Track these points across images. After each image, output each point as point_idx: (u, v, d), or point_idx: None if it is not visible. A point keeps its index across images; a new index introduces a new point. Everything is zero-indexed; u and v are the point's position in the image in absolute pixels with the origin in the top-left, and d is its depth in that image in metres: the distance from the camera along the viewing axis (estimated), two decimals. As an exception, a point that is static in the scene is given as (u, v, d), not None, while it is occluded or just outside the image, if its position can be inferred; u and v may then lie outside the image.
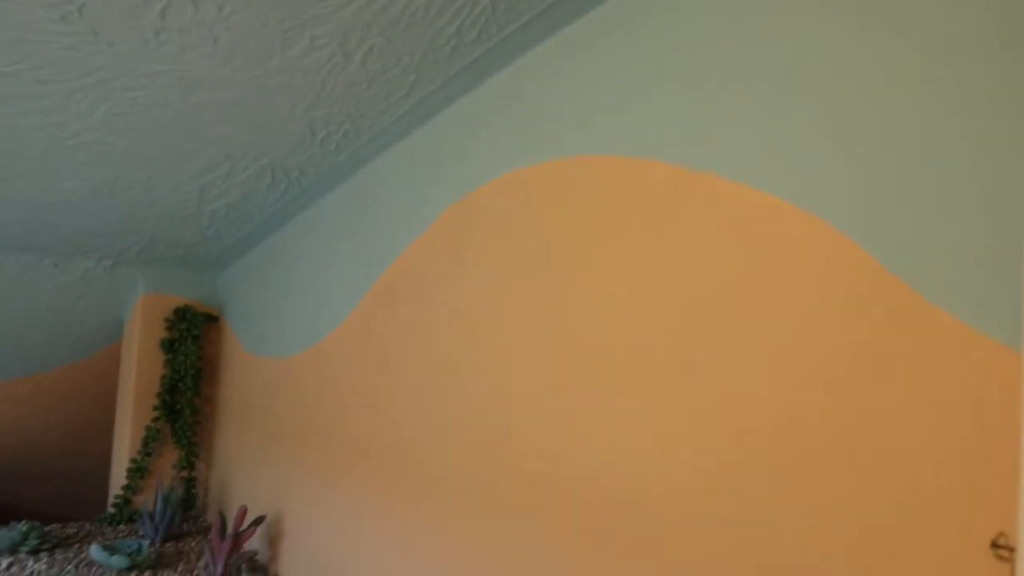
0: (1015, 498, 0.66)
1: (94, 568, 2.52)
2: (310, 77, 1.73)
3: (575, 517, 1.40)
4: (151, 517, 2.88)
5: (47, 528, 2.81)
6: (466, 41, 1.61)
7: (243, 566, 2.59)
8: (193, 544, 2.87)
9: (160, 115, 1.86)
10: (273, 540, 2.63)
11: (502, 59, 1.68)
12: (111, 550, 2.57)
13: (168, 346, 3.13)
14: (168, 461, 3.18)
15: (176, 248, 2.86)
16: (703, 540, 1.16)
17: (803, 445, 1.04)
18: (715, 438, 1.17)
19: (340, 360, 2.31)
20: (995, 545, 0.77)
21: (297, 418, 2.56)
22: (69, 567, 2.52)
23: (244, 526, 2.57)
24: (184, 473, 3.17)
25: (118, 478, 3.17)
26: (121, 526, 3.03)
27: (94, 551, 2.54)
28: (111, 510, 3.10)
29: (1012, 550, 0.73)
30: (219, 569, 2.53)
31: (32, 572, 2.44)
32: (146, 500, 3.08)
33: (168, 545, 2.84)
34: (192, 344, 3.11)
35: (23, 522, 2.73)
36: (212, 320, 3.22)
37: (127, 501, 3.08)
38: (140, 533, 2.91)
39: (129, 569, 2.51)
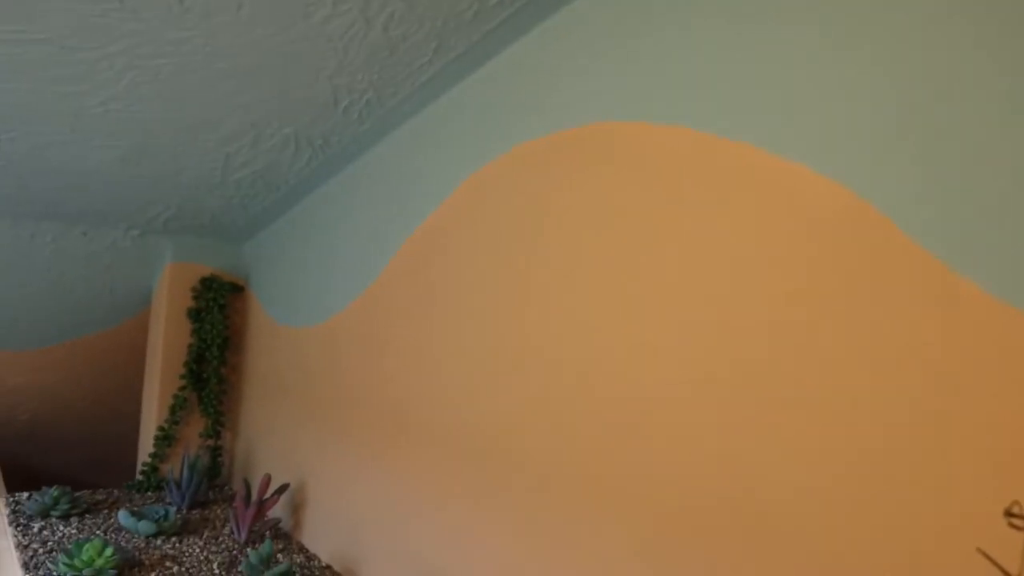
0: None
1: (122, 533, 2.56)
2: (332, 44, 1.72)
3: (617, 495, 1.40)
4: (178, 484, 2.92)
5: (77, 494, 2.86)
6: (488, 6, 1.59)
7: (267, 533, 2.62)
8: (218, 511, 2.91)
9: (185, 83, 1.86)
10: (297, 508, 2.66)
11: (526, 24, 1.65)
12: (139, 516, 2.61)
13: (194, 315, 3.17)
14: (195, 429, 3.22)
15: (202, 217, 2.87)
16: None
17: (831, 418, 1.03)
18: (743, 418, 1.16)
19: (360, 330, 2.31)
20: (1008, 514, 0.76)
21: (320, 387, 2.58)
22: (98, 532, 2.56)
23: (268, 494, 2.60)
24: (210, 441, 3.21)
25: (146, 445, 3.22)
26: (149, 493, 3.08)
27: (122, 517, 2.58)
28: (139, 477, 3.15)
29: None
30: (243, 536, 2.56)
31: (62, 536, 2.49)
32: (173, 468, 3.12)
33: (194, 512, 2.88)
34: (218, 313, 3.14)
35: (54, 487, 2.78)
36: (238, 289, 3.24)
37: (154, 468, 3.13)
38: (167, 500, 2.96)
39: (156, 535, 2.55)
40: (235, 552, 2.46)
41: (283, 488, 2.63)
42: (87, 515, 2.74)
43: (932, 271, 0.91)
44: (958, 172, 0.90)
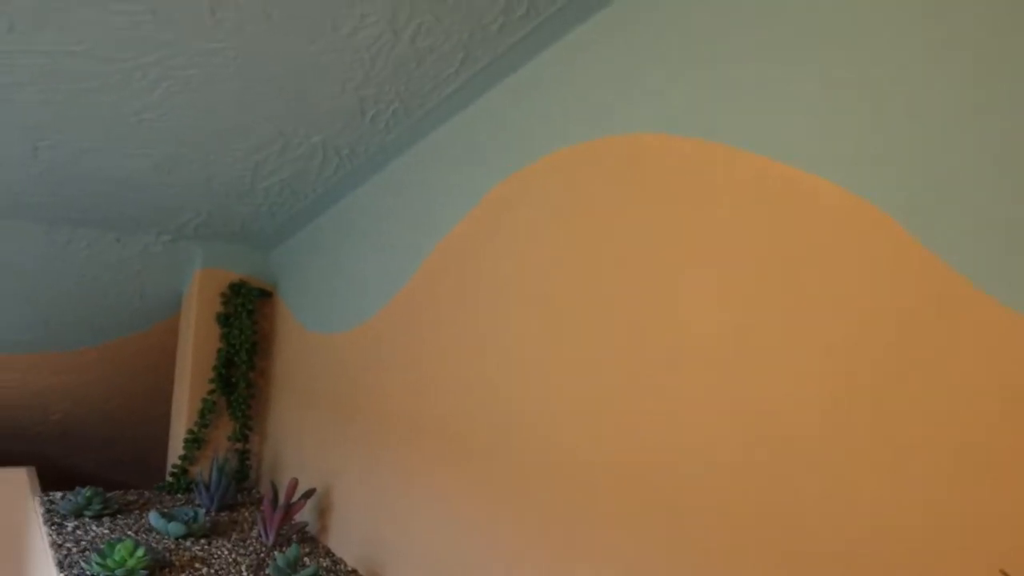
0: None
1: (152, 534, 2.61)
2: (360, 55, 1.75)
3: (641, 505, 1.41)
4: (207, 487, 2.97)
5: (109, 494, 2.91)
6: (514, 18, 1.61)
7: (294, 537, 2.65)
8: (246, 514, 2.95)
9: (216, 92, 1.90)
10: (323, 512, 2.69)
11: (550, 36, 1.67)
12: (168, 517, 2.66)
13: (224, 320, 3.21)
14: (223, 433, 3.26)
15: (232, 224, 2.92)
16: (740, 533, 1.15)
17: (849, 435, 1.03)
18: (759, 428, 1.16)
19: (388, 337, 2.34)
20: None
21: (347, 393, 2.61)
22: (130, 532, 2.61)
23: (295, 498, 2.63)
24: (239, 445, 3.25)
25: (176, 448, 3.28)
26: (178, 494, 3.13)
27: (153, 518, 2.63)
28: (169, 479, 3.20)
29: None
30: (271, 539, 2.59)
31: (95, 536, 2.54)
32: (202, 470, 3.17)
33: (222, 514, 2.92)
34: (247, 319, 3.18)
35: (87, 488, 2.84)
36: (266, 295, 3.29)
37: (184, 471, 3.18)
38: (196, 502, 3.00)
39: (185, 536, 2.59)
40: (262, 555, 2.50)
41: (309, 492, 2.65)
42: (119, 515, 2.79)
43: (955, 285, 0.91)
44: (985, 187, 0.90)
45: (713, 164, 1.28)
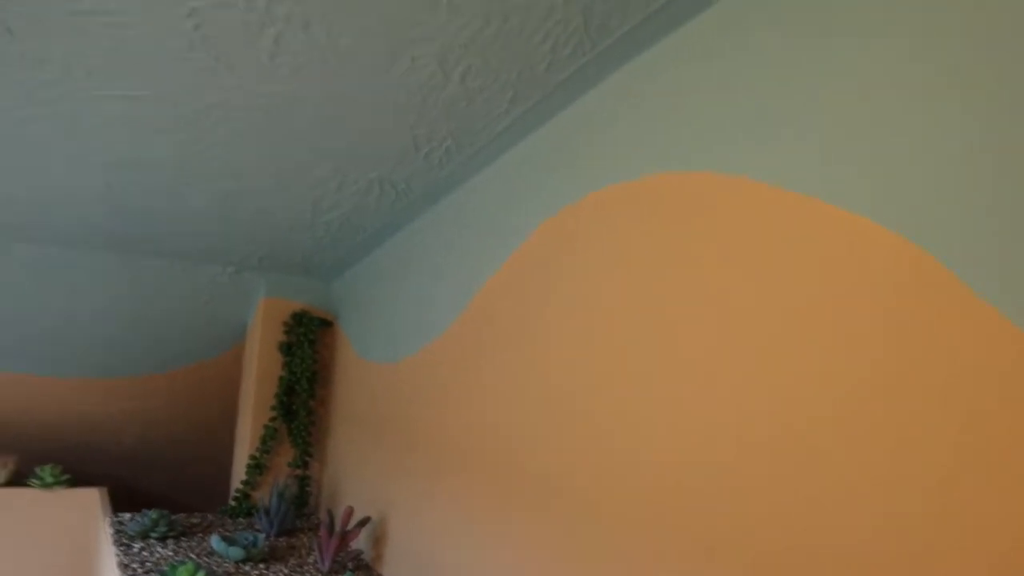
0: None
1: (214, 557, 2.68)
2: (412, 95, 1.80)
3: (711, 541, 1.40)
4: (267, 512, 3.04)
5: (174, 516, 3.01)
6: (561, 58, 1.64)
7: (349, 564, 2.69)
8: (305, 540, 3.01)
9: (276, 132, 1.98)
10: (378, 540, 2.72)
11: (598, 74, 1.69)
12: (230, 541, 2.73)
13: (286, 349, 3.30)
14: (285, 459, 3.34)
15: (294, 256, 3.01)
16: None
17: (871, 460, 1.01)
18: (814, 469, 1.15)
19: (442, 367, 2.37)
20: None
21: (403, 422, 2.64)
22: (192, 555, 2.69)
23: (350, 526, 2.68)
24: (299, 471, 3.32)
25: (239, 472, 3.37)
26: (240, 518, 3.21)
27: (215, 541, 2.70)
28: (232, 503, 3.29)
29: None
30: (327, 565, 2.64)
31: (159, 557, 2.62)
32: (263, 495, 3.25)
33: (281, 540, 2.98)
34: (308, 348, 3.27)
35: (153, 510, 2.93)
36: (327, 325, 3.37)
37: (246, 495, 3.26)
38: (257, 526, 3.07)
39: (245, 560, 2.66)
40: (317, 581, 2.54)
41: (364, 521, 2.69)
42: (183, 538, 2.88)
43: (1000, 328, 0.89)
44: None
45: (758, 202, 1.28)
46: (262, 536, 2.82)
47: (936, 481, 0.94)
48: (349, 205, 2.48)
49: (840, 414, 1.08)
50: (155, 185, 2.29)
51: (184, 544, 2.81)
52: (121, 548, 2.67)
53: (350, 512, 2.68)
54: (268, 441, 3.27)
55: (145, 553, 2.66)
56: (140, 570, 2.47)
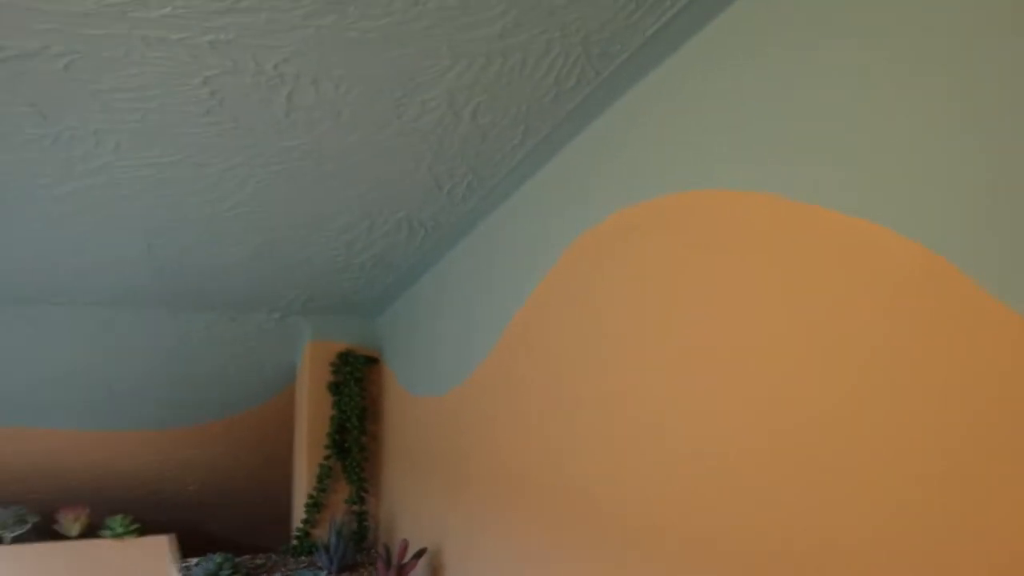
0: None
1: (277, 598, 2.74)
2: (427, 137, 1.84)
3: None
4: (327, 549, 3.09)
5: (238, 559, 3.08)
6: (566, 88, 1.66)
7: (407, 597, 2.72)
8: (365, 574, 3.05)
9: (299, 183, 2.04)
10: (435, 572, 2.75)
11: (607, 99, 1.70)
12: (291, 581, 2.79)
13: (334, 388, 3.37)
14: (341, 496, 3.40)
15: (334, 298, 3.08)
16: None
17: (919, 485, 1.00)
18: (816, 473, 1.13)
19: (484, 398, 2.39)
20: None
21: (454, 454, 2.67)
22: (257, 596, 2.75)
23: (406, 559, 2.70)
24: (355, 507, 3.37)
25: (299, 511, 3.43)
26: (302, 557, 3.27)
27: (277, 582, 2.76)
28: (293, 542, 3.35)
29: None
30: (385, 600, 2.67)
31: (225, 601, 2.69)
32: (323, 533, 3.30)
33: (343, 575, 3.03)
34: (355, 386, 3.32)
35: (218, 554, 3.01)
36: (373, 362, 3.43)
37: (307, 533, 3.32)
38: (318, 564, 3.12)
39: (307, 599, 2.71)
40: (377, 617, 2.57)
41: (420, 552, 2.72)
42: (247, 580, 2.95)
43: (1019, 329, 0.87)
44: None
45: (775, 219, 1.27)
46: (324, 574, 2.87)
47: (936, 481, 0.93)
48: (381, 245, 2.54)
49: (871, 418, 1.07)
50: (193, 243, 2.38)
51: (248, 586, 2.87)
52: (188, 594, 2.75)
53: (405, 545, 2.71)
54: (324, 479, 3.33)
55: (211, 598, 2.73)
56: (207, 615, 2.53)
